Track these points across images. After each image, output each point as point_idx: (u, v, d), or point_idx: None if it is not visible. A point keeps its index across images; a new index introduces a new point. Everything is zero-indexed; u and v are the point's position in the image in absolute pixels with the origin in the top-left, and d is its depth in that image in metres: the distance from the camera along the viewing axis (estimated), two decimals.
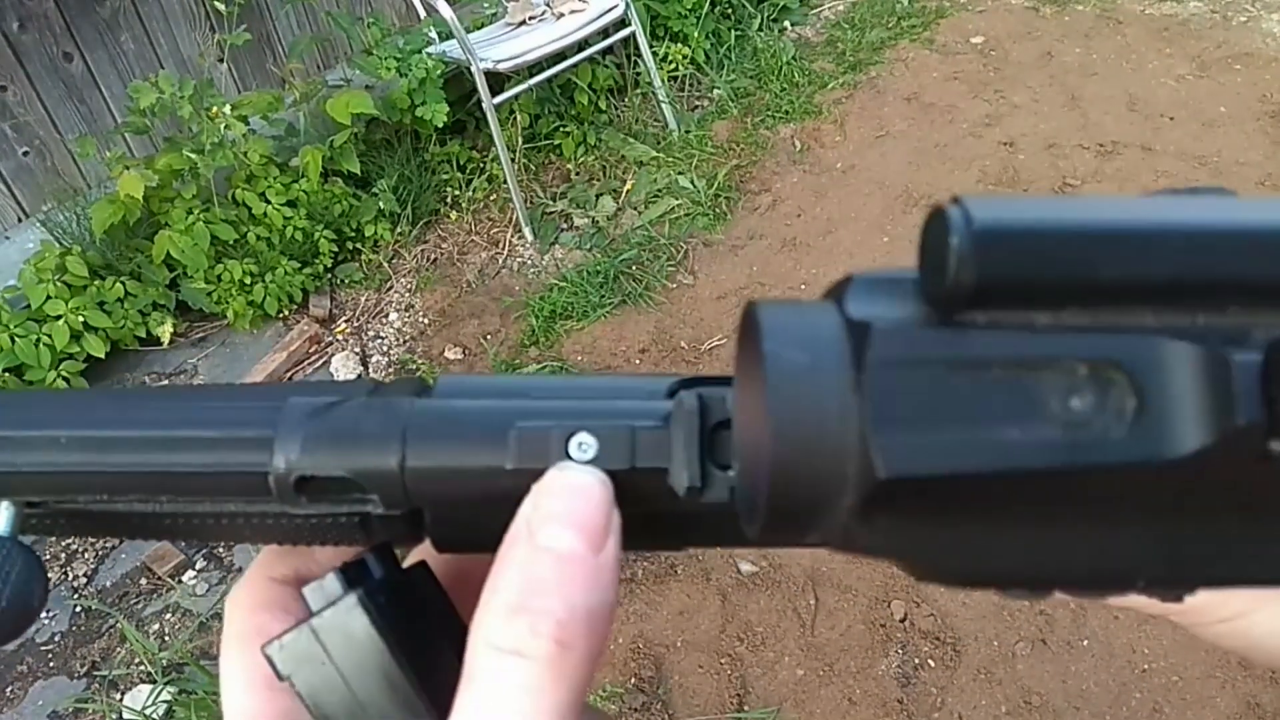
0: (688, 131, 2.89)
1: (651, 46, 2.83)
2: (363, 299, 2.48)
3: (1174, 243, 0.18)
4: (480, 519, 0.26)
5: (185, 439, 0.26)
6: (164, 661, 1.65)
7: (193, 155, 2.17)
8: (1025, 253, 0.17)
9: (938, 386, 0.18)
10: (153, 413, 0.27)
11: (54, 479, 0.26)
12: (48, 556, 1.89)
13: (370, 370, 2.27)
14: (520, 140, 2.76)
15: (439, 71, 2.51)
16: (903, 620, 1.61)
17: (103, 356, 2.11)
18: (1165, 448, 0.17)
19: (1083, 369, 0.18)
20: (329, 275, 2.49)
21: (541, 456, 0.24)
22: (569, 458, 0.24)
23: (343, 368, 2.24)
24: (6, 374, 2.01)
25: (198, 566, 1.84)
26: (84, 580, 1.85)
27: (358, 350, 2.32)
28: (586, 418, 0.25)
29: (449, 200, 2.74)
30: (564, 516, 0.22)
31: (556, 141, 2.86)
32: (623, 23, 2.65)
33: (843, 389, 0.18)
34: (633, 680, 1.57)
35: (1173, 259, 0.18)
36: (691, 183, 2.69)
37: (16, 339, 2.01)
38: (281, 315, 2.37)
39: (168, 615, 1.77)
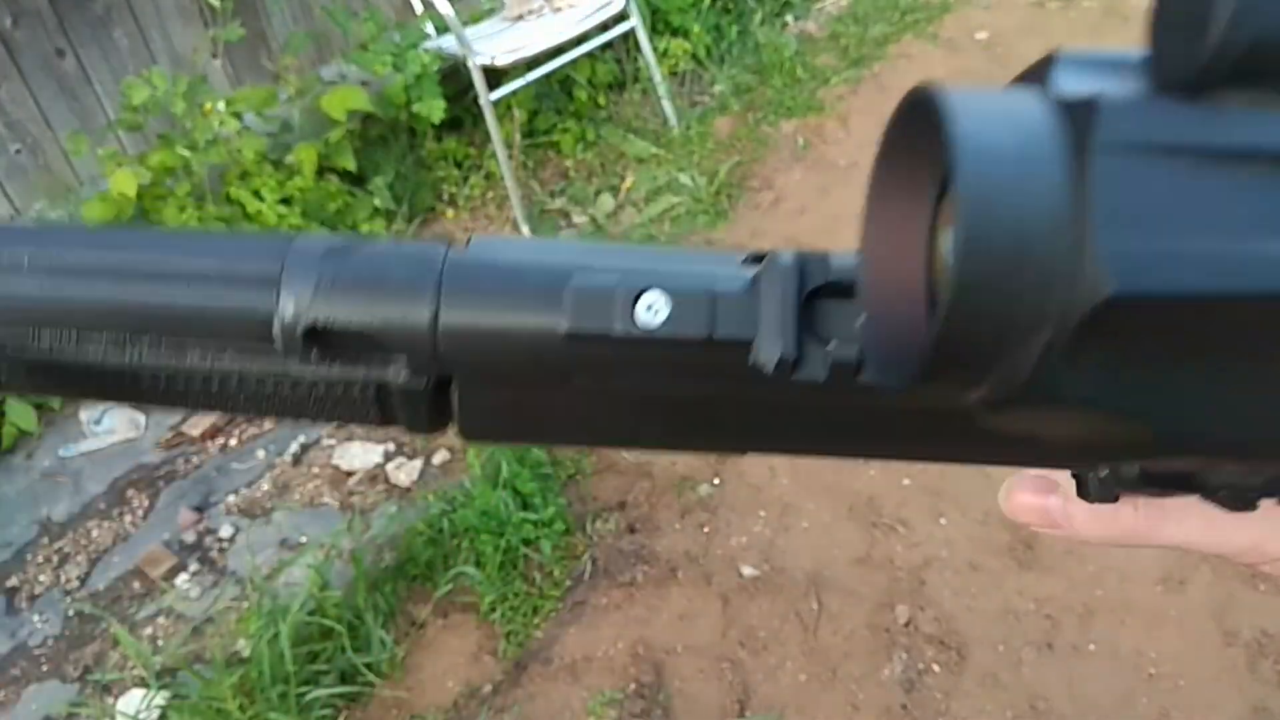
0: (688, 127, 2.86)
1: (651, 41, 2.80)
2: None
3: None
4: (522, 399, 0.22)
5: (174, 269, 0.21)
6: (157, 666, 1.63)
7: (186, 152, 2.15)
8: None
9: (1186, 182, 0.14)
10: (138, 239, 0.22)
11: (14, 307, 0.21)
12: (40, 560, 1.87)
13: None
14: (518, 136, 2.73)
15: (435, 67, 2.49)
16: (906, 625, 1.59)
17: None
18: None
19: None
20: None
21: (604, 317, 0.20)
22: (635, 322, 0.20)
23: None
24: None
25: (191, 570, 1.82)
26: (77, 583, 1.83)
27: None
28: (659, 276, 0.20)
29: (446, 197, 2.71)
30: None
31: (555, 138, 2.83)
32: (622, 17, 2.62)
33: (1059, 183, 0.14)
34: (633, 685, 1.55)
35: None
36: (692, 180, 2.67)
37: None
38: None
39: (161, 619, 1.75)
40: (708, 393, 0.21)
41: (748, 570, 1.69)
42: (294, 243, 0.21)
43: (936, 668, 1.53)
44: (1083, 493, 0.26)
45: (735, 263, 0.22)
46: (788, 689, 1.53)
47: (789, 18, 3.46)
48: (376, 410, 0.23)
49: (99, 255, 0.21)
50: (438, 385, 0.22)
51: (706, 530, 1.76)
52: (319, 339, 0.21)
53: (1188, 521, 0.26)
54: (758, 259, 0.21)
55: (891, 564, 1.66)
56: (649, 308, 0.20)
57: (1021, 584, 1.61)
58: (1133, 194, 0.14)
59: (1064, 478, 0.28)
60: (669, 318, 0.20)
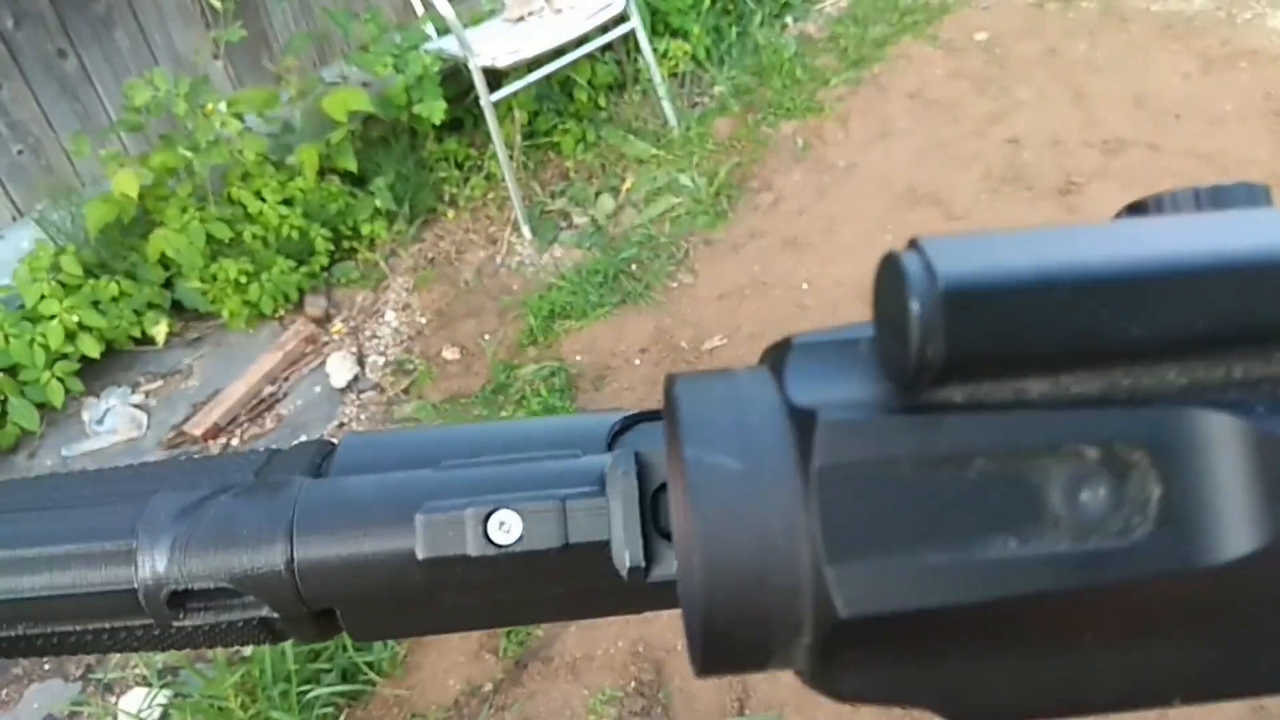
0: (688, 129, 2.86)
1: (651, 42, 2.81)
2: (359, 298, 2.46)
3: (1206, 277, 0.14)
4: (400, 609, 0.22)
5: (36, 558, 0.21)
6: (159, 664, 1.63)
7: (188, 153, 2.15)
8: (1010, 311, 0.13)
9: (907, 492, 0.14)
10: (2, 526, 0.22)
11: None
12: None
13: (366, 370, 2.26)
14: (518, 137, 2.74)
15: (436, 68, 2.49)
16: None
17: (97, 357, 2.10)
18: (1204, 553, 0.13)
19: (1093, 453, 0.14)
20: (325, 274, 2.47)
21: (457, 542, 0.20)
22: (489, 541, 0.20)
23: (339, 368, 2.22)
24: (2, 374, 2.00)
25: None
26: None
27: (354, 350, 2.30)
28: (508, 488, 0.21)
29: (446, 198, 2.72)
30: None
31: (555, 139, 2.84)
32: (622, 18, 2.62)
33: (788, 502, 0.14)
34: (633, 684, 1.55)
35: (1205, 298, 0.13)
36: (692, 180, 2.67)
37: (11, 339, 1.99)
38: (277, 315, 2.35)
39: None
40: (572, 588, 0.22)
41: None
42: (148, 505, 0.22)
43: None
44: None
45: (598, 442, 0.22)
46: (787, 688, 1.53)
47: (788, 19, 3.47)
48: (265, 635, 0.23)
49: None
50: (318, 610, 0.23)
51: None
52: (184, 600, 0.22)
53: None
54: (613, 437, 0.22)
55: None
56: (501, 526, 0.21)
57: None
58: (855, 512, 0.14)
59: None
60: (522, 535, 0.21)
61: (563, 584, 0.21)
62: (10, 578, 0.22)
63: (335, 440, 0.24)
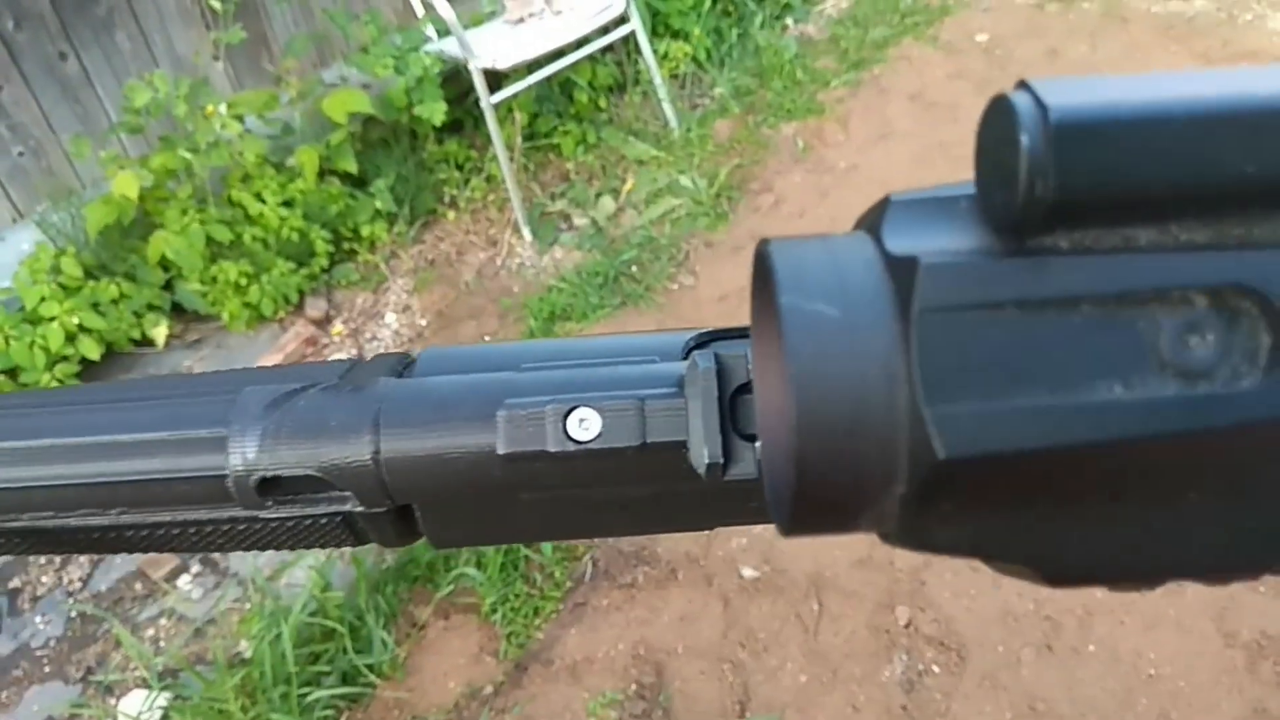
0: (689, 130, 2.86)
1: (652, 44, 2.81)
2: (359, 300, 2.46)
3: None
4: (479, 511, 0.23)
5: (131, 443, 0.22)
6: (159, 666, 1.63)
7: (188, 155, 2.15)
8: (1122, 149, 0.13)
9: (1010, 336, 0.14)
10: (97, 415, 0.23)
11: None
12: (42, 561, 1.88)
13: None
14: (519, 139, 2.74)
15: (436, 70, 2.49)
16: (907, 626, 1.59)
17: (97, 359, 2.10)
18: None
19: (1202, 299, 0.13)
20: (325, 276, 2.47)
21: (538, 438, 0.21)
22: (569, 438, 0.21)
23: None
24: (2, 376, 2.00)
25: (193, 571, 1.82)
26: (79, 585, 1.83)
27: (354, 352, 2.30)
28: (587, 389, 0.21)
29: (447, 200, 2.72)
30: None
31: (555, 140, 2.83)
32: (623, 20, 2.62)
33: (886, 348, 0.14)
34: (634, 686, 1.55)
35: None
36: (692, 182, 2.67)
37: (11, 341, 1.99)
38: (278, 316, 2.35)
39: (163, 620, 1.75)
40: (650, 491, 0.22)
41: (748, 571, 1.70)
42: (239, 397, 0.23)
43: (936, 669, 1.53)
44: None
45: (675, 353, 0.22)
46: (788, 690, 1.53)
47: (789, 20, 3.47)
48: (348, 535, 0.24)
49: (63, 436, 0.23)
50: (399, 507, 0.23)
51: (707, 532, 1.76)
52: (272, 489, 0.22)
53: None
54: (689, 350, 0.22)
55: (892, 565, 1.66)
56: (581, 423, 0.21)
57: (1021, 585, 1.61)
58: (957, 355, 0.14)
59: None
60: (601, 432, 0.21)
61: (640, 486, 0.21)
62: (106, 462, 0.22)
63: (414, 352, 0.25)
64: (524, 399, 0.21)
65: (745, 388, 0.21)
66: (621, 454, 0.21)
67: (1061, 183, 0.13)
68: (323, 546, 0.25)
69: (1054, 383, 0.13)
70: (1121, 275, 0.14)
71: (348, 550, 1.71)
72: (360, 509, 0.23)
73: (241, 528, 0.24)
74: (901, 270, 0.14)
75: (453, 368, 0.23)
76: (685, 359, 0.22)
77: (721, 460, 0.20)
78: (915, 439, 0.14)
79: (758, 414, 0.19)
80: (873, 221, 0.16)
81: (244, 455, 0.22)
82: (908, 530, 0.15)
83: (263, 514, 0.23)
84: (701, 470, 0.20)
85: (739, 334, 0.22)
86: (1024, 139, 0.13)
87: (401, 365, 0.24)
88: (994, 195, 0.14)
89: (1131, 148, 0.13)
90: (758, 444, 0.20)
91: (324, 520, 0.23)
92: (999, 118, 0.14)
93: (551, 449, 0.21)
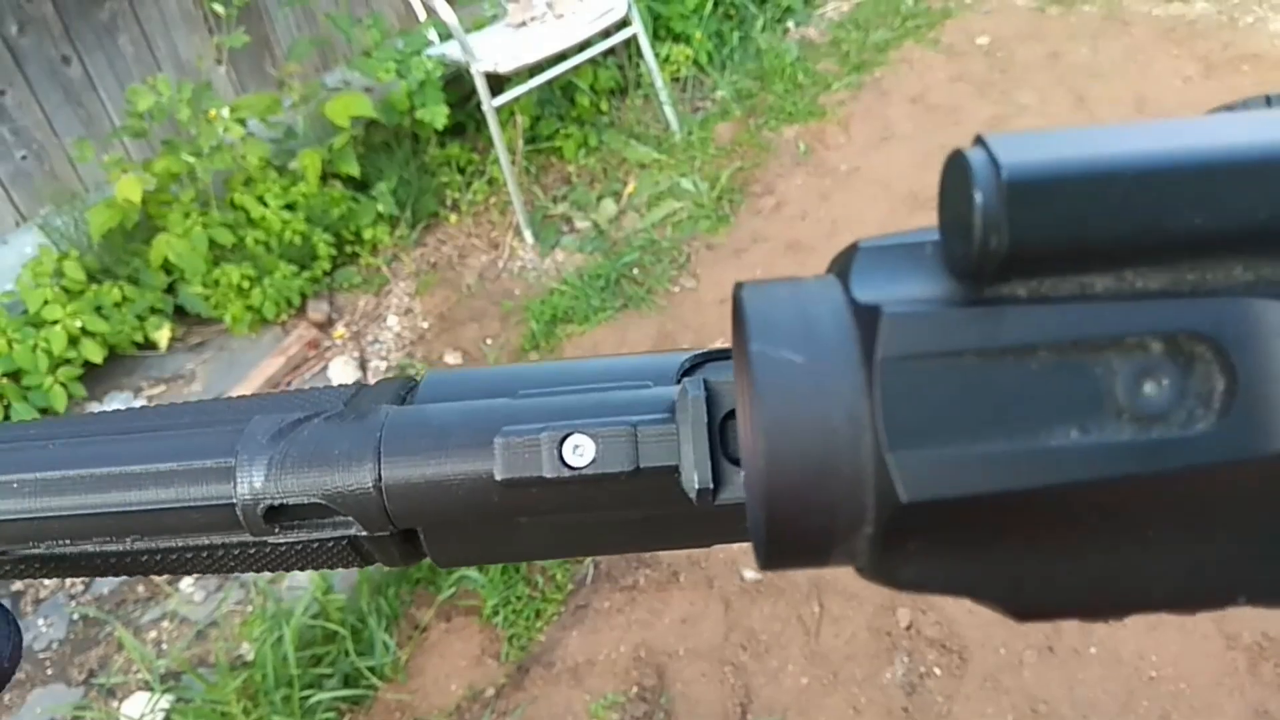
0: (690, 133, 2.87)
1: (653, 47, 2.81)
2: (361, 303, 2.46)
3: (1271, 168, 0.14)
4: (480, 533, 0.23)
5: (144, 474, 0.23)
6: (161, 669, 1.63)
7: (191, 158, 2.16)
8: (1074, 202, 0.14)
9: (969, 383, 0.14)
10: (108, 446, 0.24)
11: (10, 526, 0.24)
12: None
13: (369, 375, 2.26)
14: (521, 142, 2.74)
15: (438, 73, 2.49)
16: (908, 628, 1.59)
17: (100, 362, 2.10)
18: (1267, 441, 0.13)
19: (1157, 345, 0.14)
20: (327, 279, 2.47)
21: (534, 464, 0.22)
22: (564, 464, 0.22)
23: (341, 372, 2.23)
24: (5, 379, 2.00)
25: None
26: (81, 588, 1.83)
27: (356, 355, 2.30)
28: (582, 415, 0.22)
29: (449, 203, 2.72)
30: None
31: (557, 143, 2.84)
32: (624, 23, 2.63)
33: (851, 394, 0.14)
34: (635, 689, 1.55)
35: (1271, 190, 0.13)
36: (694, 185, 2.67)
37: (14, 344, 1.99)
38: (280, 319, 2.35)
39: (165, 623, 1.75)
40: (644, 514, 0.23)
41: (749, 574, 1.70)
42: (247, 427, 0.23)
43: (938, 671, 1.53)
44: None
45: (668, 376, 0.23)
46: (789, 692, 1.53)
47: (790, 23, 3.47)
48: (354, 557, 0.25)
49: (76, 468, 0.24)
50: (403, 531, 0.24)
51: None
52: (279, 516, 0.23)
53: None
54: (683, 374, 0.23)
55: None
56: (575, 450, 0.21)
57: None
58: (918, 402, 0.14)
59: None
60: (595, 458, 0.21)
61: (633, 510, 0.22)
62: (119, 492, 0.23)
63: (418, 376, 0.25)
64: (520, 426, 0.22)
65: (733, 414, 0.21)
66: (615, 479, 0.21)
67: (1015, 236, 0.14)
68: (330, 568, 0.26)
69: (1012, 428, 0.14)
70: (1077, 323, 0.14)
71: None
72: (365, 534, 0.23)
73: (251, 552, 0.25)
74: (866, 318, 0.15)
75: (453, 393, 0.24)
76: (678, 383, 0.23)
77: (711, 485, 0.21)
78: (880, 482, 0.14)
79: (741, 449, 0.20)
80: (842, 267, 0.16)
81: (251, 484, 0.23)
82: (878, 568, 0.16)
83: (271, 539, 0.24)
84: (692, 495, 0.21)
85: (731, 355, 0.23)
86: (978, 196, 0.14)
87: (404, 390, 0.25)
88: (954, 246, 0.15)
89: (1083, 202, 0.14)
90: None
91: (330, 544, 0.24)
92: (955, 174, 0.15)
93: (547, 475, 0.21)
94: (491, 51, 2.42)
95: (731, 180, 2.70)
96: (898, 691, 1.51)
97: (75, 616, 1.78)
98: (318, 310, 2.40)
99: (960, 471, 0.14)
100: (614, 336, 2.25)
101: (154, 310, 2.24)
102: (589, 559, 1.73)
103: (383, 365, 2.29)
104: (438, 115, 2.48)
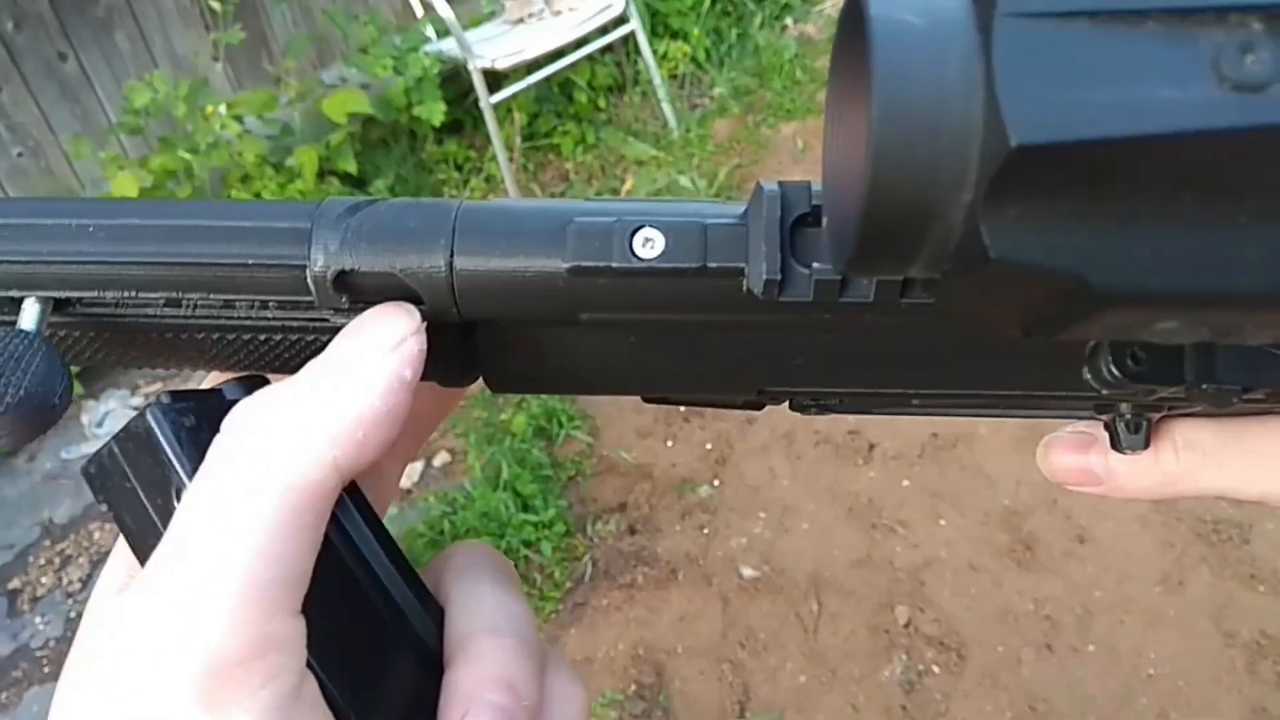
0: (688, 130, 2.86)
1: (651, 44, 2.81)
2: None
3: None
4: (540, 343, 0.24)
5: (218, 228, 0.24)
6: None
7: (187, 155, 2.15)
8: None
9: (1083, 41, 0.15)
10: (184, 207, 0.25)
11: (83, 270, 0.24)
12: (42, 562, 1.88)
13: None
14: (518, 139, 2.74)
15: (436, 70, 2.49)
16: (906, 625, 1.59)
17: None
18: None
19: (1256, 23, 0.14)
20: None
21: (603, 253, 0.22)
22: (634, 254, 0.22)
23: None
24: None
25: None
26: (79, 585, 1.83)
27: None
28: (653, 214, 0.22)
29: None
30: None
31: (555, 140, 2.84)
32: (622, 20, 2.63)
33: (967, 54, 0.15)
34: (633, 687, 1.55)
35: None
36: (692, 182, 2.67)
37: None
38: None
39: None
40: (707, 321, 0.23)
41: (748, 571, 1.70)
42: (323, 203, 0.24)
43: (936, 669, 1.53)
44: (1115, 445, 0.27)
45: (736, 209, 0.24)
46: (788, 690, 1.53)
47: (788, 20, 3.47)
48: None
49: (152, 219, 0.24)
50: (462, 334, 0.25)
51: (706, 532, 1.76)
52: (348, 285, 0.23)
53: (1229, 464, 0.26)
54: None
55: (891, 565, 1.66)
56: (645, 242, 0.22)
57: (1021, 585, 1.61)
58: (1034, 55, 0.15)
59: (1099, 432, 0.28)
60: (664, 250, 0.22)
61: (696, 313, 0.22)
62: (194, 244, 0.24)
63: None
64: (593, 217, 0.22)
65: (804, 219, 0.22)
66: (682, 274, 0.22)
67: None
68: None
69: (1122, 85, 0.15)
70: None
71: None
72: (429, 317, 0.23)
73: (310, 339, 0.25)
74: None
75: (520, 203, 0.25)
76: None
77: (779, 278, 0.21)
78: (989, 133, 0.15)
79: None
80: None
81: (325, 247, 0.23)
82: (967, 250, 0.16)
83: (334, 316, 0.24)
84: (758, 289, 0.21)
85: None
86: None
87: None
88: None
89: None
90: (815, 265, 0.21)
91: None
92: None
93: (616, 264, 0.22)
94: (489, 48, 2.42)
95: (729, 177, 2.69)
96: (896, 689, 1.51)
97: (72, 614, 1.78)
98: None
99: (1069, 116, 0.14)
100: None
101: None
102: (587, 558, 1.73)
103: None
104: (435, 112, 2.48)
